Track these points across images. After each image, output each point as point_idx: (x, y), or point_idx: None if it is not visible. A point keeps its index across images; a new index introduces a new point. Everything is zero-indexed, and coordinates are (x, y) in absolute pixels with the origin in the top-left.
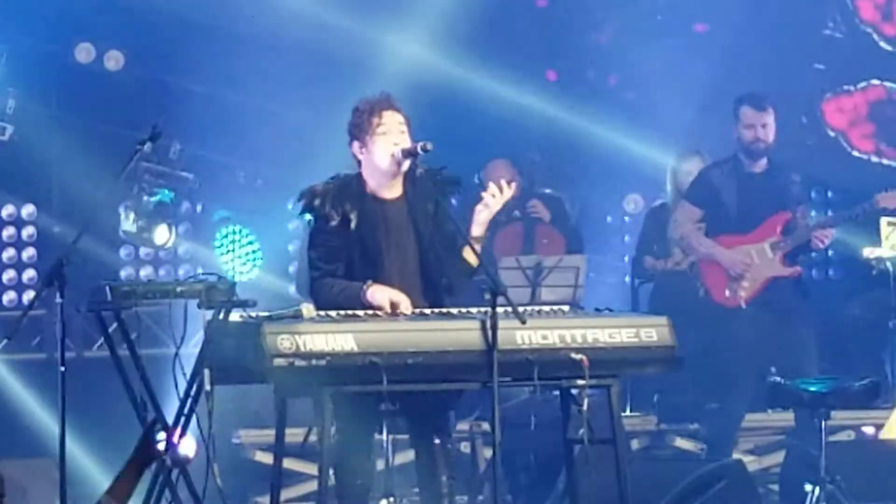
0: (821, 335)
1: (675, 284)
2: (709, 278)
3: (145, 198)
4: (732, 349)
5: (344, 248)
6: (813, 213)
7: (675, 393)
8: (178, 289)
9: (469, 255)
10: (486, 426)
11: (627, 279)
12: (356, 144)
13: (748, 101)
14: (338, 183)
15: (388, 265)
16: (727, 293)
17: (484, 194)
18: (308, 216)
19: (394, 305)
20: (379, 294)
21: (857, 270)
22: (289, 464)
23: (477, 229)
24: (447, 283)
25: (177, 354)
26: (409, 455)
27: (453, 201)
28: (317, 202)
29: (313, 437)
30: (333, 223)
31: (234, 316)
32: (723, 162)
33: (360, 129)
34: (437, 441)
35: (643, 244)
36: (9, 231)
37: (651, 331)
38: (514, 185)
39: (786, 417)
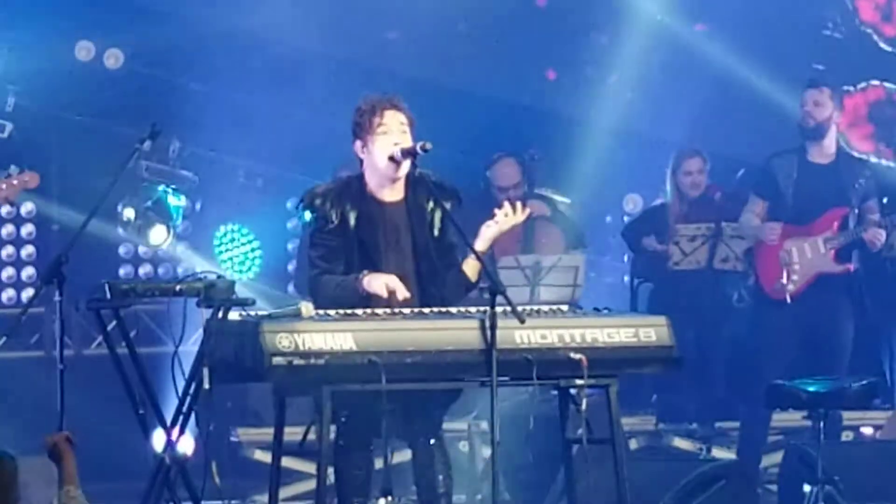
0: None
1: (674, 284)
2: (761, 267)
3: (147, 199)
4: (770, 345)
5: (343, 248)
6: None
7: (674, 392)
8: (178, 287)
9: (469, 269)
10: (484, 425)
11: (626, 279)
12: (358, 144)
13: (809, 84)
14: (339, 184)
15: (386, 267)
16: (776, 286)
17: (497, 211)
18: (308, 216)
19: (390, 291)
20: (375, 281)
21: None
22: (287, 462)
23: (481, 244)
24: (440, 295)
25: (175, 353)
26: (407, 454)
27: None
28: (317, 202)
29: (312, 436)
30: (333, 223)
31: (233, 314)
32: (787, 151)
33: (361, 128)
34: (433, 440)
35: (637, 227)
36: (8, 229)
37: (650, 331)
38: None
39: (784, 418)
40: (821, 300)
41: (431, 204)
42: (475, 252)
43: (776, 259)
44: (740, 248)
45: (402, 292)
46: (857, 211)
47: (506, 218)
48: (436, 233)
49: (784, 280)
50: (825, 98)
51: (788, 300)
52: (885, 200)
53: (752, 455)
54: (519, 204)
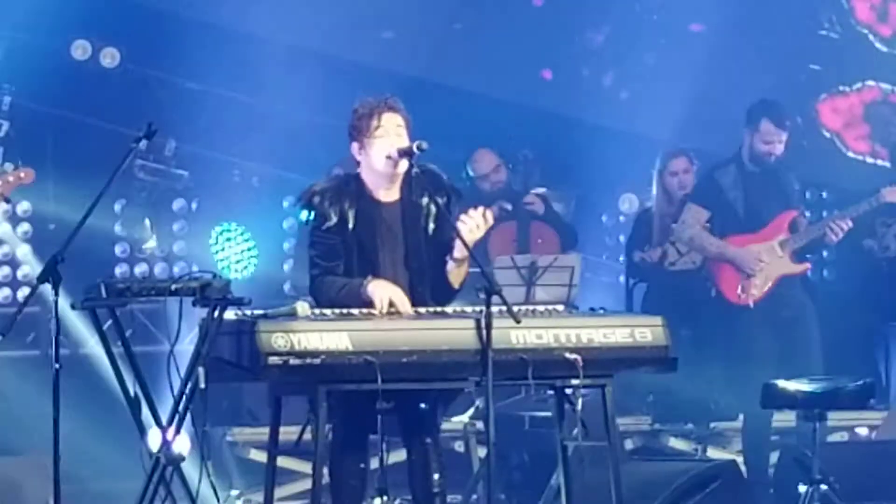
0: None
1: (669, 284)
2: (720, 278)
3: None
4: (746, 349)
5: (342, 246)
6: (807, 214)
7: (669, 392)
8: (173, 286)
9: (452, 277)
10: (480, 425)
11: (622, 279)
12: (355, 146)
13: (770, 115)
14: (337, 182)
15: (383, 267)
16: (739, 293)
17: (464, 218)
18: (306, 214)
19: (390, 304)
20: (379, 291)
21: (853, 272)
22: (283, 462)
23: (458, 252)
24: (428, 297)
25: (171, 352)
26: (402, 454)
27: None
28: (316, 200)
29: (307, 436)
30: (331, 222)
31: (229, 314)
32: (725, 163)
33: (358, 130)
34: (428, 440)
35: (631, 244)
36: (3, 228)
37: (645, 331)
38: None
39: (779, 418)
40: (785, 299)
41: (426, 200)
42: (470, 252)
43: (732, 267)
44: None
45: (404, 308)
46: (804, 211)
47: (470, 233)
48: (431, 230)
49: (746, 286)
50: (786, 136)
51: (751, 305)
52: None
53: (759, 456)
54: (482, 211)
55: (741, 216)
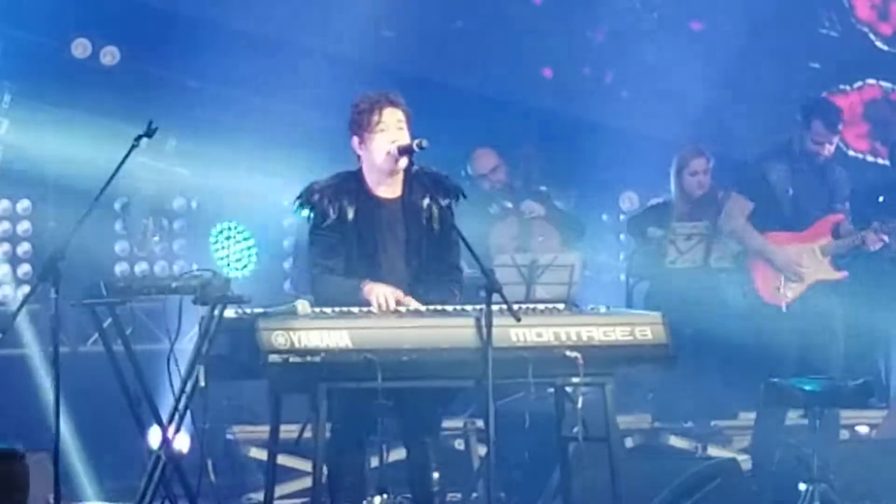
0: None
1: (670, 283)
2: (757, 275)
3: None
4: (769, 348)
5: (343, 243)
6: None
7: (669, 390)
8: (174, 284)
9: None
10: (480, 423)
11: (622, 277)
12: (355, 140)
13: (822, 116)
14: (337, 180)
15: (384, 263)
16: (775, 292)
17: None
18: (306, 212)
19: (388, 305)
20: (377, 292)
21: (854, 270)
22: (283, 460)
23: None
24: (426, 296)
25: (171, 350)
26: (402, 452)
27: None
28: (315, 198)
29: (308, 434)
30: (331, 220)
31: (229, 312)
32: (775, 155)
33: (359, 125)
34: (428, 439)
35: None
36: (4, 226)
37: (646, 329)
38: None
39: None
40: (816, 306)
41: (427, 200)
42: (472, 251)
43: (771, 266)
44: (737, 248)
45: (407, 301)
46: (849, 216)
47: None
48: (434, 230)
49: (782, 288)
50: (836, 139)
51: (784, 309)
52: (881, 199)
53: (766, 454)
54: (394, 301)
55: (786, 212)
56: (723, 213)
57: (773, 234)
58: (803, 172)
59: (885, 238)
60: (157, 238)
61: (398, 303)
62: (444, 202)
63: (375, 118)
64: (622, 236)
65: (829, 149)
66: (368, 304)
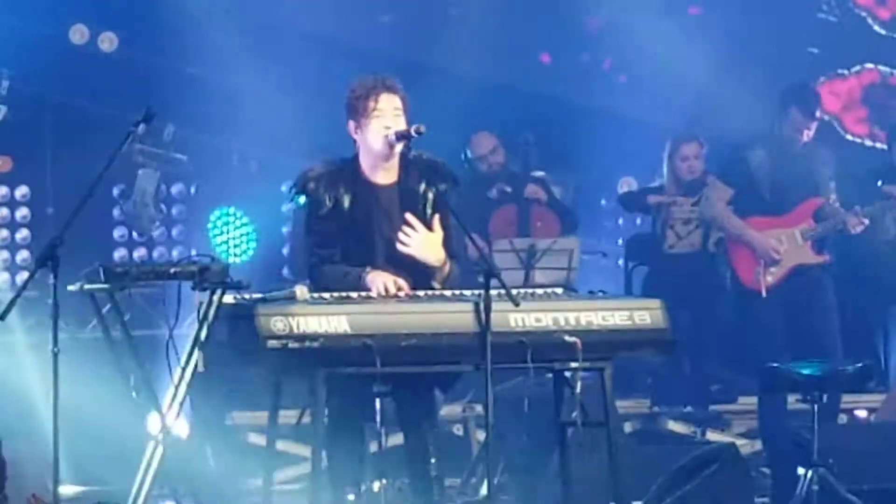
0: None
1: (668, 267)
2: (737, 260)
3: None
4: (758, 332)
5: (339, 231)
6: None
7: (668, 375)
8: (172, 270)
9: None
10: (479, 408)
11: (621, 262)
12: (352, 124)
13: (799, 103)
14: (333, 167)
15: (380, 250)
16: (754, 277)
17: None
18: (302, 199)
19: (397, 287)
20: (378, 279)
21: (851, 255)
22: (282, 445)
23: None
24: (423, 283)
25: (170, 336)
26: (400, 438)
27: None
28: (311, 185)
29: (307, 419)
30: (326, 208)
31: (228, 298)
32: (755, 141)
33: (355, 110)
34: (426, 424)
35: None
36: (2, 212)
37: (644, 314)
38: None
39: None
40: (798, 289)
41: (424, 186)
42: (469, 235)
43: (750, 251)
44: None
45: (406, 288)
46: (831, 199)
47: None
48: (428, 216)
49: (761, 272)
50: (814, 125)
51: (763, 294)
52: (879, 184)
53: (778, 436)
54: (394, 288)
55: (766, 197)
56: (702, 199)
57: (753, 219)
58: (783, 157)
59: (866, 221)
60: (156, 223)
61: (399, 289)
62: (441, 188)
63: (371, 104)
64: (620, 221)
65: (808, 134)
66: (368, 290)
